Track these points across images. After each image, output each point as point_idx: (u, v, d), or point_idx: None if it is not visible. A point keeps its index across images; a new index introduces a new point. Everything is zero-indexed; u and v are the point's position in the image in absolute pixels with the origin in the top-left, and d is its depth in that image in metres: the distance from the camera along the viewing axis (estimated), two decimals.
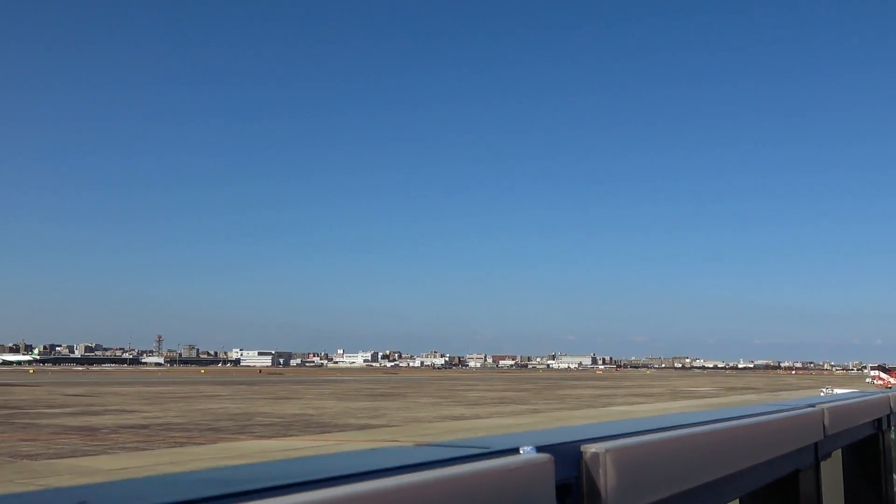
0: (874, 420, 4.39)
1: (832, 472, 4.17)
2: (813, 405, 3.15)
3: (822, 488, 3.28)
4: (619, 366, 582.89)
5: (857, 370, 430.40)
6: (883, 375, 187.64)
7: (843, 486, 4.41)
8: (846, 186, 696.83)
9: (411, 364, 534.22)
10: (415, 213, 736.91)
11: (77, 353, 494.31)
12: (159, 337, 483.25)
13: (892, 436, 4.87)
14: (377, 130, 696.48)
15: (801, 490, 2.99)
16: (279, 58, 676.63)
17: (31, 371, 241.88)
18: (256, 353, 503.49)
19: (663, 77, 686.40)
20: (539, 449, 1.44)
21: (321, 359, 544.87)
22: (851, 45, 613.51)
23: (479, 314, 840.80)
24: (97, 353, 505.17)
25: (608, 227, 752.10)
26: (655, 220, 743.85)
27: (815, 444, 3.13)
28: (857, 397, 4.14)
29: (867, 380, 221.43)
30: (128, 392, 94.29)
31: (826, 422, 3.16)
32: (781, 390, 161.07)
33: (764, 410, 2.58)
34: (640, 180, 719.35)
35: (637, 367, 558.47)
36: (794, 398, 3.73)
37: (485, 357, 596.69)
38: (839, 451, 4.11)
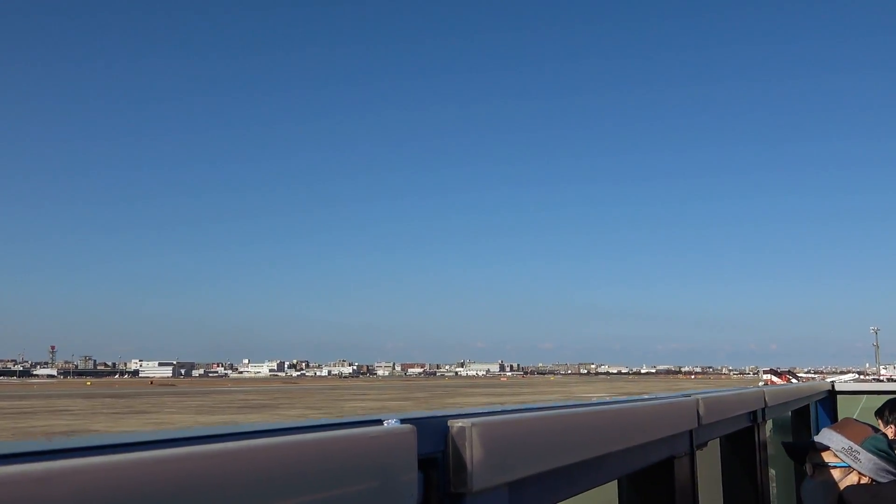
0: (749, 413, 4.40)
1: (709, 461, 4.17)
2: (688, 395, 3.13)
3: (698, 476, 3.26)
4: (526, 372, 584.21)
5: (753, 374, 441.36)
6: (774, 379, 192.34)
7: (720, 475, 4.49)
8: (742, 190, 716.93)
9: (318, 373, 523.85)
10: (325, 220, 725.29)
11: None
12: (52, 348, 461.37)
13: (767, 429, 4.94)
14: (287, 136, 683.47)
15: (675, 476, 2.98)
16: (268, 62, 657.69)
17: None
18: (157, 363, 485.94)
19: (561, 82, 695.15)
20: (403, 421, 1.45)
21: (225, 368, 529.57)
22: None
23: (389, 323, 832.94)
24: None
25: (519, 234, 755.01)
26: (565, 228, 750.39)
27: (690, 433, 3.12)
28: (733, 391, 4.00)
29: (760, 383, 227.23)
30: None
31: (701, 411, 3.13)
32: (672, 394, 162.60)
33: (640, 398, 2.62)
34: (547, 184, 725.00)
35: (544, 374, 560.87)
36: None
37: (393, 365, 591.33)
38: (716, 440, 4.12)
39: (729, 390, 3.99)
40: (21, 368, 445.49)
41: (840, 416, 7.48)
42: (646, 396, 2.75)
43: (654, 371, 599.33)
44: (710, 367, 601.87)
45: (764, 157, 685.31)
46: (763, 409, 4.66)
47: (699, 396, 3.16)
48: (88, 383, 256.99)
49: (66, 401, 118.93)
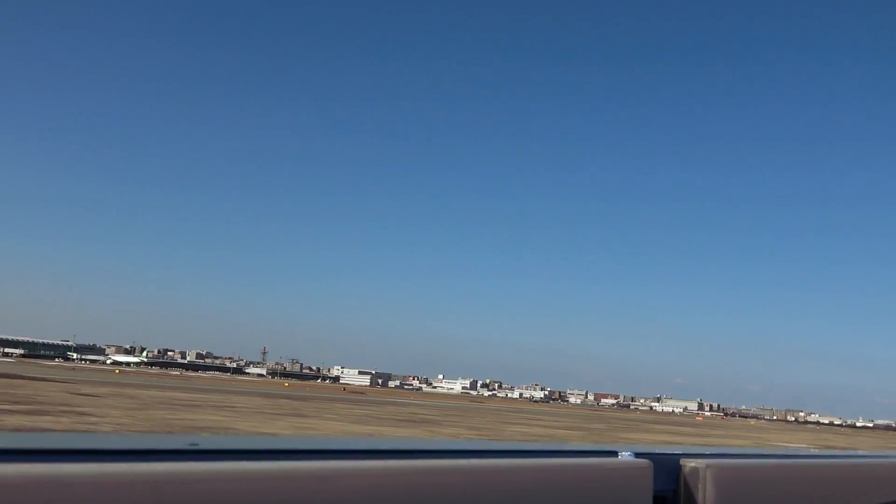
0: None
1: None
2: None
3: None
4: (726, 414, 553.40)
5: None
6: None
7: None
8: None
9: (510, 395, 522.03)
10: (538, 245, 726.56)
11: (189, 359, 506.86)
12: (265, 349, 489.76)
13: None
14: (492, 157, 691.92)
15: None
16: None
17: (118, 371, 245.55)
18: (357, 371, 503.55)
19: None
20: (638, 455, 1.41)
21: (420, 382, 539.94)
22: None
23: (586, 350, 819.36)
24: (207, 360, 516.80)
25: (732, 277, 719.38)
26: (783, 275, 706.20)
27: None
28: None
29: None
30: (128, 395, 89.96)
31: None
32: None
33: (879, 454, 2.39)
34: (767, 235, 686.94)
35: (746, 417, 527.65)
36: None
37: (586, 394, 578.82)
38: None
39: None
40: (235, 366, 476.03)
41: None
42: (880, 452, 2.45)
43: (870, 425, 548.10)
44: None
45: None
46: None
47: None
48: (286, 384, 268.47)
49: (244, 398, 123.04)
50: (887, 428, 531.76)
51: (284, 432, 62.97)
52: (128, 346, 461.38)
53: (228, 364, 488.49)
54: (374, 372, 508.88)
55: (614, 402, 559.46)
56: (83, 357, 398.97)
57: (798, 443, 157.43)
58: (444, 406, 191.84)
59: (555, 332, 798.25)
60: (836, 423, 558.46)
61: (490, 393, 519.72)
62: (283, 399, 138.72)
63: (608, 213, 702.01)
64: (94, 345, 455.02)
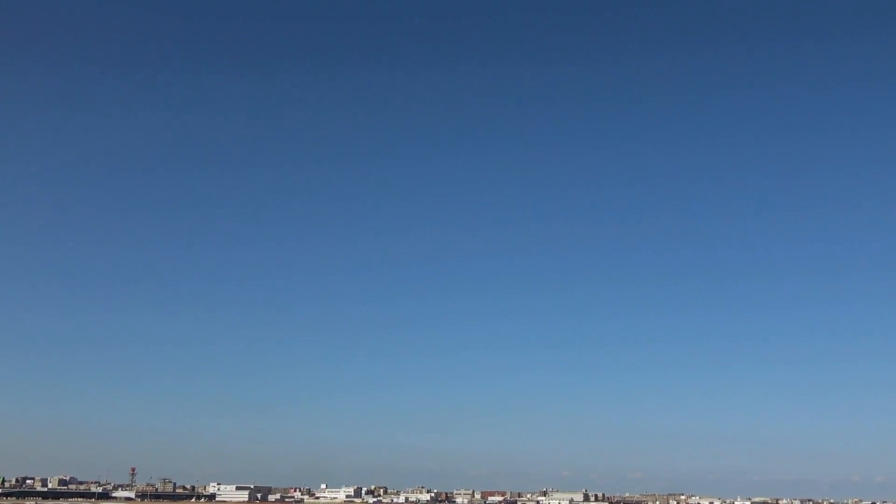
0: None
1: None
2: None
3: None
4: (611, 502, 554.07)
5: None
6: None
7: None
8: (849, 324, 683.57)
9: (395, 500, 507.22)
10: (416, 346, 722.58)
11: (50, 486, 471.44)
12: (133, 470, 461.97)
13: None
14: (362, 258, 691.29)
15: None
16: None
17: None
18: (234, 487, 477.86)
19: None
20: None
21: (302, 493, 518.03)
22: None
23: (471, 449, 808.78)
24: (71, 486, 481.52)
25: (608, 363, 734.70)
26: (657, 355, 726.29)
27: None
28: None
29: None
30: None
31: None
32: None
33: None
34: (634, 312, 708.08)
35: None
36: None
37: (472, 493, 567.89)
38: None
39: None
40: (101, 490, 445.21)
41: None
42: None
43: (748, 503, 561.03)
44: (809, 500, 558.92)
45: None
46: None
47: None
48: None
49: None
50: None
51: None
52: None
53: (94, 489, 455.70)
54: (252, 486, 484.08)
55: (501, 499, 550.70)
56: None
57: None
58: None
59: (440, 431, 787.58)
60: (715, 503, 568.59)
61: (375, 500, 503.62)
62: None
63: (482, 306, 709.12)
64: None
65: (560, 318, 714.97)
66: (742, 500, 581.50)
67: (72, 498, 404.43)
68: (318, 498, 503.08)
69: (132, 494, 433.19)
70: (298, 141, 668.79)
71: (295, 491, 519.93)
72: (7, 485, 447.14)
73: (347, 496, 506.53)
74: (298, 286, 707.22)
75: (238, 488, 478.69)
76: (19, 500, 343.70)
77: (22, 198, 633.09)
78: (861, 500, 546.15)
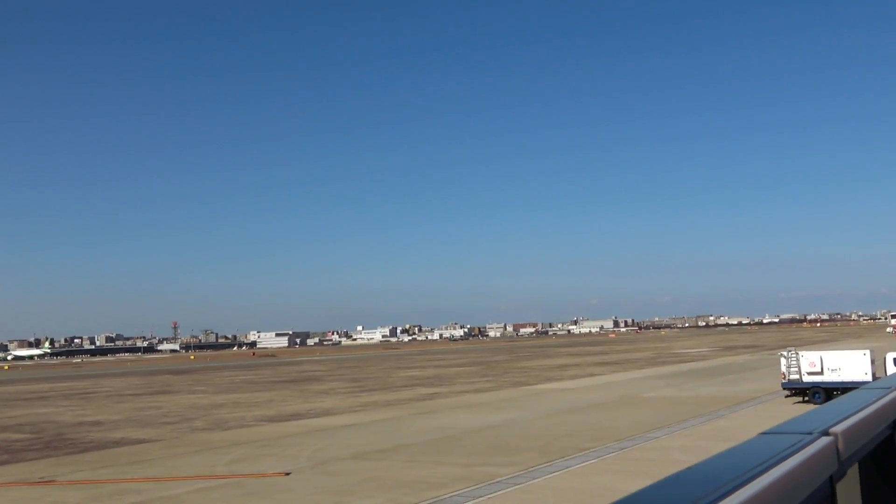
0: (889, 423, 3.76)
1: (848, 491, 3.48)
2: (827, 432, 2.72)
3: None
4: (640, 327, 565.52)
5: (885, 319, 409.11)
6: None
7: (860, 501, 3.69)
8: (865, 138, 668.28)
9: (429, 337, 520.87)
10: (446, 187, 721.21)
11: (98, 343, 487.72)
12: (175, 324, 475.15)
13: None
14: (376, 118, 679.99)
15: None
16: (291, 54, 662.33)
17: (6, 367, 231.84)
18: (274, 334, 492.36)
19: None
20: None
21: (340, 336, 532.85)
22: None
23: (502, 285, 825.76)
24: (118, 342, 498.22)
25: (631, 191, 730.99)
26: (677, 181, 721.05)
27: (831, 476, 2.74)
28: (870, 404, 3.42)
29: (888, 329, 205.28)
30: None
31: (840, 447, 2.75)
32: (785, 347, 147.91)
33: (775, 453, 2.26)
34: (658, 142, 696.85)
35: (660, 328, 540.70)
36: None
37: (504, 326, 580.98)
38: (855, 466, 3.47)
39: (866, 403, 3.32)
40: (147, 345, 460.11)
41: None
42: (778, 457, 2.25)
43: (776, 320, 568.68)
44: (837, 314, 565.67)
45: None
46: None
47: (838, 430, 2.70)
48: (192, 357, 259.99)
49: (117, 381, 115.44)
50: (792, 321, 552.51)
51: (115, 417, 56.63)
52: (31, 340, 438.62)
53: (140, 343, 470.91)
54: (291, 333, 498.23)
55: (533, 330, 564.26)
56: None
57: (702, 347, 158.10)
58: (346, 358, 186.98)
59: (469, 271, 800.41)
60: (744, 322, 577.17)
61: (410, 338, 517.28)
62: (168, 375, 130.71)
63: (501, 147, 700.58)
64: None
65: (585, 153, 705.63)
66: (770, 316, 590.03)
67: (119, 353, 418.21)
68: (355, 339, 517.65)
69: (176, 346, 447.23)
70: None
71: (333, 334, 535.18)
72: (57, 344, 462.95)
73: (383, 336, 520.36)
74: (322, 138, 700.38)
75: (277, 335, 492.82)
76: (68, 358, 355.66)
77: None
78: (890, 310, 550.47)
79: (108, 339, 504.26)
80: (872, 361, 47.32)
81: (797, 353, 48.58)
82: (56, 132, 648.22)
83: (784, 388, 49.01)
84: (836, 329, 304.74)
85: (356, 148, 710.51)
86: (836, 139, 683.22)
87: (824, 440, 2.57)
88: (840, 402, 3.56)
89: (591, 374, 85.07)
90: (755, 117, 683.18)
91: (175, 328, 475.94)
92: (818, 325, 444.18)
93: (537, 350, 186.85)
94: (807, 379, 47.88)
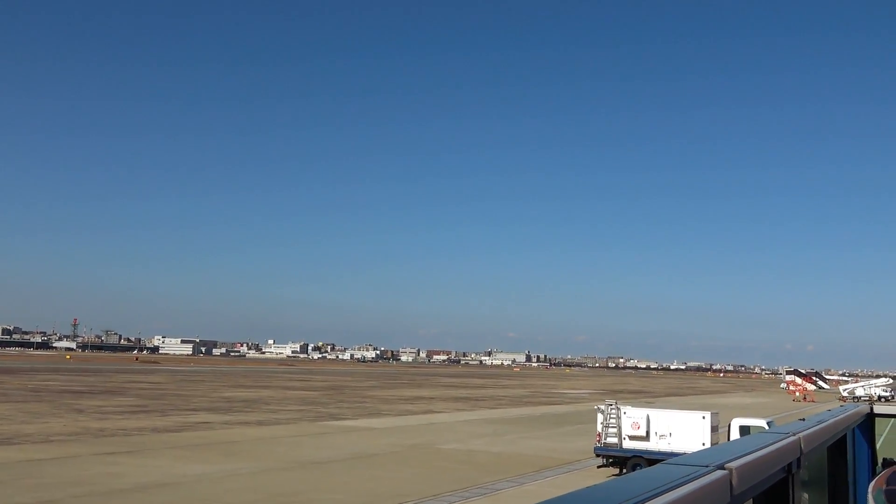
0: (784, 466, 3.85)
1: None
2: (722, 466, 2.75)
3: None
4: (552, 363, 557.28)
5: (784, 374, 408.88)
6: (797, 380, 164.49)
7: None
8: (788, 186, 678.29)
9: (340, 356, 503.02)
10: (366, 204, 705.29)
11: None
12: (75, 321, 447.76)
13: (802, 475, 4.24)
14: (304, 121, 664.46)
15: None
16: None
17: None
18: (179, 340, 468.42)
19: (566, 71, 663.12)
20: None
21: (249, 348, 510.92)
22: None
23: (421, 310, 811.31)
24: (15, 335, 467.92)
25: (560, 226, 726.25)
26: (603, 223, 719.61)
27: None
28: (767, 445, 3.50)
29: (781, 385, 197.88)
30: None
31: (734, 482, 2.76)
32: (676, 395, 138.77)
33: (671, 480, 2.32)
34: (582, 175, 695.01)
35: (570, 366, 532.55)
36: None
37: (418, 352, 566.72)
38: (749, 503, 3.47)
39: (763, 444, 3.41)
40: (40, 340, 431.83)
41: (878, 441, 5.99)
42: (673, 483, 2.33)
43: (683, 367, 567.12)
44: (742, 366, 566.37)
45: (807, 155, 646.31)
46: (798, 459, 3.99)
47: (733, 466, 2.73)
48: (68, 357, 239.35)
49: None
50: (698, 369, 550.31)
51: None
52: None
53: (33, 339, 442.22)
54: (197, 340, 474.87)
55: (446, 358, 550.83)
56: None
57: (581, 390, 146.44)
58: (208, 371, 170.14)
59: (388, 292, 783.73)
60: (652, 367, 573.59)
61: (320, 356, 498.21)
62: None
63: (430, 166, 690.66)
64: None
65: (504, 179, 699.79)
66: (678, 363, 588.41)
67: (10, 347, 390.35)
68: (264, 353, 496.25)
69: (73, 345, 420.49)
70: None
71: (242, 346, 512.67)
72: None
73: (293, 352, 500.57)
74: (250, 142, 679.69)
75: (183, 341, 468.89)
76: None
77: None
78: (792, 367, 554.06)
79: (5, 331, 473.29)
80: (714, 428, 34.76)
81: (618, 409, 35.66)
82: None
83: (597, 454, 36.07)
84: (734, 381, 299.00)
85: (282, 157, 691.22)
86: (756, 193, 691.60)
87: (719, 473, 2.57)
88: (742, 441, 3.64)
89: (429, 411, 71.62)
90: (684, 171, 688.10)
91: (74, 325, 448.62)
92: (721, 374, 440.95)
93: (420, 378, 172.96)
94: (628, 444, 35.03)
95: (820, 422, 5.02)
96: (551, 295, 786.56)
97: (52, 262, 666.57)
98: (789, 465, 3.80)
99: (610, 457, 35.34)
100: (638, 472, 2.39)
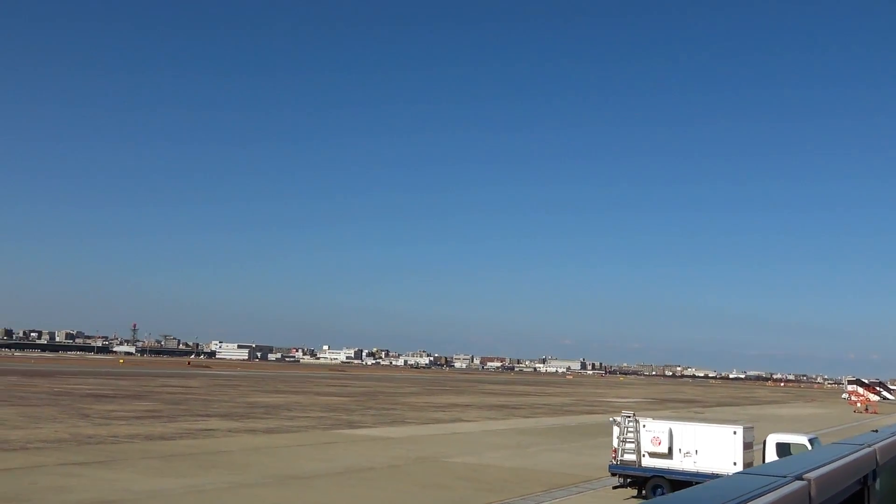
0: (860, 478, 3.82)
1: None
2: (801, 476, 2.72)
3: None
4: (607, 371, 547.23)
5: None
6: (859, 390, 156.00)
7: None
8: (846, 197, 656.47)
9: (394, 362, 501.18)
10: (421, 213, 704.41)
11: (58, 339, 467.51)
12: (134, 325, 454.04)
13: (877, 487, 4.18)
14: (371, 129, 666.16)
15: None
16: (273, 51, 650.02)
17: None
18: (235, 346, 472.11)
19: (664, 80, 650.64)
20: None
21: (304, 353, 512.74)
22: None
23: (474, 317, 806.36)
24: (77, 340, 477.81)
25: (613, 235, 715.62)
26: (660, 230, 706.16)
27: None
28: (844, 456, 3.52)
29: (843, 395, 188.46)
30: None
31: (813, 493, 2.74)
32: (730, 405, 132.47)
33: (748, 490, 2.31)
34: (641, 186, 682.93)
35: (626, 374, 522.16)
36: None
37: (472, 358, 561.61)
38: None
39: (839, 456, 3.42)
40: (101, 344, 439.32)
41: None
42: (751, 482, 2.36)
43: (743, 376, 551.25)
44: (804, 376, 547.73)
45: (866, 166, 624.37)
46: (874, 471, 3.93)
47: (811, 477, 2.67)
48: (121, 361, 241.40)
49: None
50: (757, 378, 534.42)
51: None
52: None
53: (97, 343, 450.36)
54: (253, 345, 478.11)
55: (499, 364, 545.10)
56: None
57: (637, 397, 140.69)
58: (251, 376, 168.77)
59: (443, 300, 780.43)
60: (710, 375, 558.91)
61: (374, 361, 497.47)
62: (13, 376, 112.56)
63: (488, 175, 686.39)
64: None
65: (563, 189, 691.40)
66: (737, 372, 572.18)
67: (72, 351, 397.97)
68: (318, 358, 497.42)
69: (133, 349, 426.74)
70: None
71: (296, 351, 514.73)
72: (15, 336, 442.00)
73: (347, 357, 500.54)
74: (304, 150, 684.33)
75: (239, 346, 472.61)
76: (23, 352, 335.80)
77: None
78: (855, 376, 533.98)
79: (69, 336, 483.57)
80: (747, 445, 30.04)
81: (637, 421, 31.15)
82: (33, 120, 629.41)
83: (612, 473, 31.60)
84: (795, 390, 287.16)
85: (337, 162, 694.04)
86: (823, 207, 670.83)
87: (798, 484, 2.55)
88: (815, 452, 3.62)
89: (458, 420, 67.60)
90: (745, 183, 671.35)
91: (134, 330, 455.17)
92: (782, 384, 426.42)
93: (465, 385, 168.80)
94: (647, 462, 30.49)
95: (894, 433, 4.90)
96: (607, 302, 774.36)
97: (113, 268, 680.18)
98: (865, 477, 3.70)
99: (627, 476, 30.89)
100: (712, 483, 2.32)
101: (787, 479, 2.49)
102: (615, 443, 31.25)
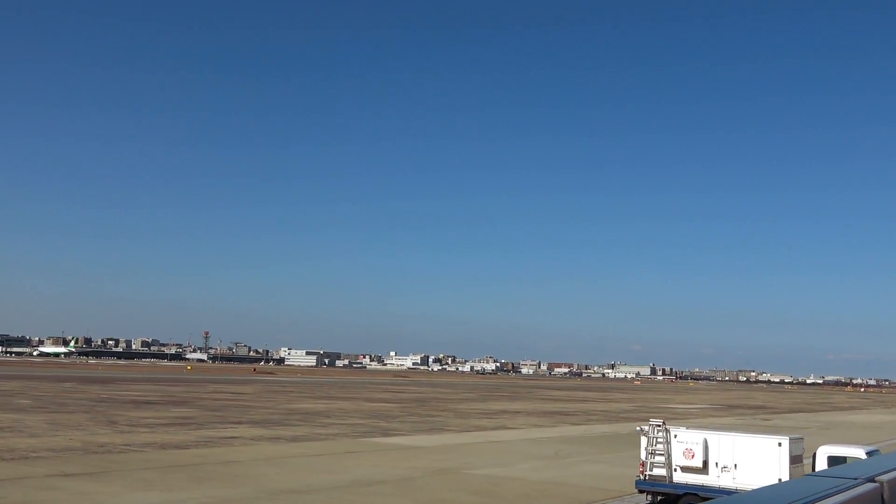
0: None
1: None
2: (873, 479, 2.65)
3: None
4: (678, 376, 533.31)
5: None
6: None
7: None
8: None
9: (461, 368, 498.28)
10: (492, 220, 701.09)
11: (134, 347, 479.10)
12: (206, 333, 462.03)
13: None
14: (444, 132, 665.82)
15: None
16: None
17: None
18: (304, 352, 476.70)
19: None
20: None
21: (372, 360, 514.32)
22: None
23: (542, 323, 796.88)
24: (153, 347, 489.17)
25: (685, 241, 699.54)
26: (733, 235, 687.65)
27: None
28: None
29: None
30: None
31: (885, 495, 2.68)
32: (803, 411, 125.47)
33: (817, 491, 2.27)
34: (716, 195, 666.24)
35: (697, 379, 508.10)
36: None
37: (539, 364, 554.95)
38: None
39: None
40: (174, 352, 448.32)
41: None
42: (821, 494, 2.27)
43: (820, 381, 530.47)
44: (885, 380, 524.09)
45: None
46: None
47: (884, 479, 2.61)
48: (188, 368, 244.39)
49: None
50: (836, 383, 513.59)
51: None
52: (66, 337, 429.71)
53: (170, 351, 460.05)
54: (321, 352, 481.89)
55: (567, 370, 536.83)
56: (8, 350, 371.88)
57: (702, 403, 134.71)
58: (310, 382, 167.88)
59: (510, 306, 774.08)
60: (786, 380, 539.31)
61: (440, 367, 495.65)
62: (77, 382, 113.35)
63: (557, 181, 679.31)
64: (23, 336, 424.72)
65: (633, 196, 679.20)
66: (815, 377, 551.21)
67: (146, 359, 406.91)
68: (385, 364, 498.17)
69: (204, 356, 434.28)
70: None
71: (364, 357, 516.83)
72: (93, 344, 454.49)
73: (414, 363, 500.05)
74: (369, 150, 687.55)
75: (308, 353, 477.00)
76: (98, 359, 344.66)
77: None
78: None
79: (144, 344, 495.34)
80: (795, 459, 26.05)
81: (667, 431, 27.43)
82: (109, 127, 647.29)
83: (639, 490, 27.94)
84: (876, 396, 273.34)
85: (410, 172, 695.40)
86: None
87: (870, 486, 2.50)
88: (886, 456, 3.52)
89: (501, 427, 64.32)
90: (817, 190, 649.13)
91: (206, 338, 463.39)
92: (861, 389, 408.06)
93: (524, 391, 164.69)
94: (679, 478, 26.80)
95: None
96: (678, 307, 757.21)
97: (188, 278, 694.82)
98: None
99: (657, 493, 27.22)
100: (780, 484, 2.27)
101: (857, 480, 2.41)
102: (643, 455, 27.63)
